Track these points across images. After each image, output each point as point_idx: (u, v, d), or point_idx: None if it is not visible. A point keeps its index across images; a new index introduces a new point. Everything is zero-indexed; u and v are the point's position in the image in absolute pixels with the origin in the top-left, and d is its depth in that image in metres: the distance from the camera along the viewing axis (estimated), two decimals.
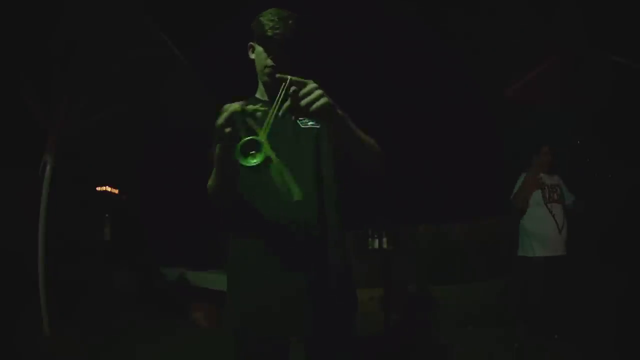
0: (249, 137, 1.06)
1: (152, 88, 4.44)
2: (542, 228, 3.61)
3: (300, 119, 1.33)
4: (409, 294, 5.83)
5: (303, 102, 1.07)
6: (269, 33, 1.30)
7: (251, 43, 1.41)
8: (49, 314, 3.90)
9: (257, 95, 1.45)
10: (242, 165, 1.06)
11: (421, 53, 8.49)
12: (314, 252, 1.29)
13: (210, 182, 1.30)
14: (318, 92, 1.08)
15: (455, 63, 8.01)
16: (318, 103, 1.07)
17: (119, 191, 8.59)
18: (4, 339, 3.73)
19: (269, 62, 1.34)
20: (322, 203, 1.32)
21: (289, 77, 1.07)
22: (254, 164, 1.06)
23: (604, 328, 3.52)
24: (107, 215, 7.69)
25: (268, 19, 1.32)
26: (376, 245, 4.37)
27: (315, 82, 1.10)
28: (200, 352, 3.95)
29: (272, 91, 1.36)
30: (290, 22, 1.32)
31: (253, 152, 1.06)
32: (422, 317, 5.01)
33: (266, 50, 1.35)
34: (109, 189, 8.41)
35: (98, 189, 8.11)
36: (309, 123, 1.36)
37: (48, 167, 4.07)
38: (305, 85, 1.08)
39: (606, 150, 5.24)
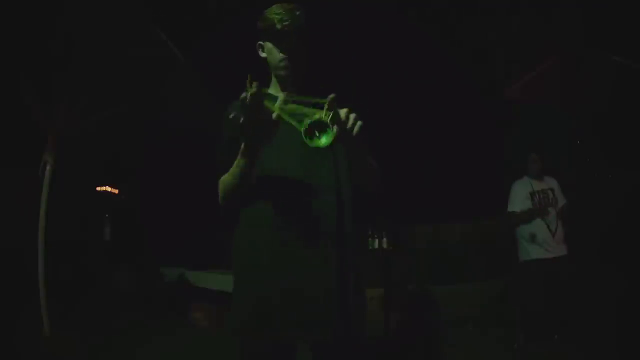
0: (315, 118, 1.03)
1: (152, 88, 4.44)
2: (535, 232, 3.62)
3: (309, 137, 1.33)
4: (409, 294, 5.82)
5: (348, 125, 1.12)
6: (278, 26, 1.29)
7: (260, 42, 1.39)
8: (49, 314, 3.89)
9: (271, 91, 1.41)
10: (310, 145, 1.04)
11: (420, 53, 8.48)
12: (331, 250, 1.26)
13: (226, 178, 1.26)
14: (355, 116, 1.14)
15: (455, 63, 8.01)
16: (357, 128, 1.14)
17: (119, 191, 8.58)
18: (4, 339, 3.73)
19: (282, 55, 1.33)
20: (340, 203, 1.31)
21: (332, 95, 1.09)
22: (324, 144, 1.03)
23: (604, 328, 3.52)
24: (107, 215, 7.69)
25: (274, 12, 1.31)
26: (376, 245, 4.37)
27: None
28: (200, 352, 3.95)
29: (287, 86, 1.35)
30: (297, 13, 1.31)
31: (318, 132, 1.03)
32: (422, 317, 5.00)
33: (278, 44, 1.33)
34: (109, 189, 8.40)
35: (98, 189, 8.11)
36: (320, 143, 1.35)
37: (48, 167, 4.06)
38: (334, 108, 1.11)
39: (606, 150, 5.24)
